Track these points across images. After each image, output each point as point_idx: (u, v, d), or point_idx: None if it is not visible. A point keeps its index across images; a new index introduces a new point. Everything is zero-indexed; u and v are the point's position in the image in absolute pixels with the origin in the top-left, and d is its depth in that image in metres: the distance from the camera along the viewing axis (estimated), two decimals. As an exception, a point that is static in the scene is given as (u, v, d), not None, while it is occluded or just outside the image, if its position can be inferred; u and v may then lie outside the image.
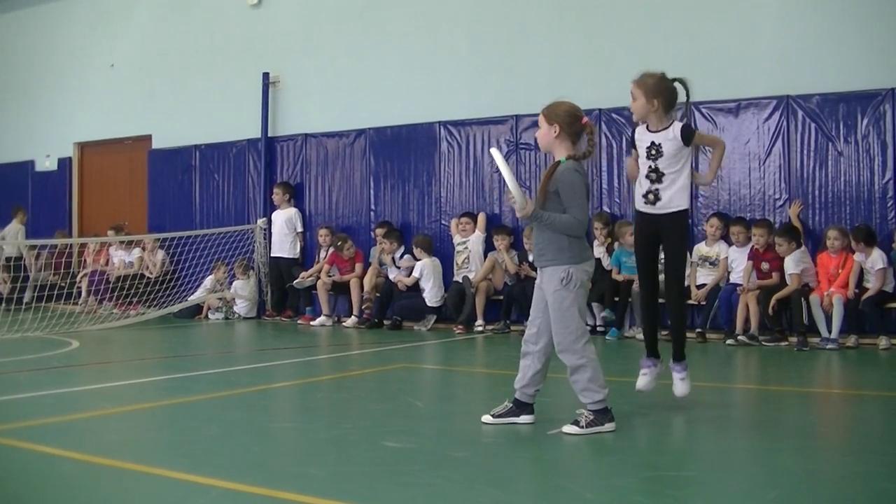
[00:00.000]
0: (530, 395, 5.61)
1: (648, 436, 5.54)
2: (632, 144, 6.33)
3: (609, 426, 5.36)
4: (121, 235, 15.28)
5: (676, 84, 6.06)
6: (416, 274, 12.31)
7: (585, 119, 5.58)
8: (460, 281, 12.06)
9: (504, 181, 5.65)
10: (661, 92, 5.98)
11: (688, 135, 5.98)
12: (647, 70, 6.10)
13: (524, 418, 5.59)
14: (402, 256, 12.64)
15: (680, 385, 6.08)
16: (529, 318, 5.68)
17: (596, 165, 11.80)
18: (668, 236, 6.10)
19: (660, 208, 6.06)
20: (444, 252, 12.73)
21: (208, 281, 14.11)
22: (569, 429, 5.32)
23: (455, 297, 12.02)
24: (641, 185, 6.13)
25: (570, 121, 5.51)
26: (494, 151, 5.59)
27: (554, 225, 5.40)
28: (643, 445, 5.30)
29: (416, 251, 12.44)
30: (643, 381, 6.23)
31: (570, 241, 5.42)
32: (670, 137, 5.99)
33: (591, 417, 5.34)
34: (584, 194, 5.43)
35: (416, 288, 12.35)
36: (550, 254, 5.46)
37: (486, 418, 5.64)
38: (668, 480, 4.43)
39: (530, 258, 11.87)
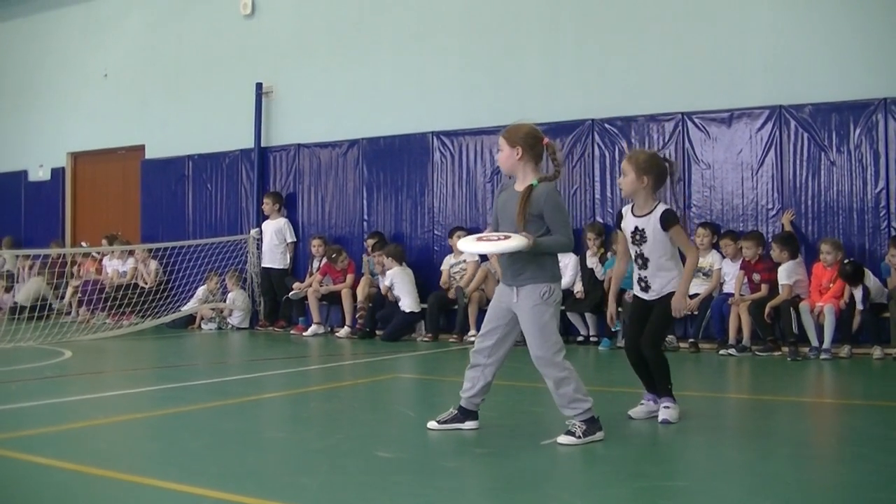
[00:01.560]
0: (476, 405, 5.73)
1: (640, 445, 5.54)
2: (617, 225, 6.40)
3: (599, 435, 5.38)
4: (114, 245, 15.27)
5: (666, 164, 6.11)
6: (386, 283, 12.28)
7: (546, 139, 5.62)
8: (447, 291, 12.06)
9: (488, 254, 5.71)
10: (652, 169, 5.98)
11: (667, 220, 5.95)
12: (636, 148, 6.15)
13: (469, 424, 5.71)
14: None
15: (664, 412, 6.02)
16: (483, 331, 5.72)
17: (588, 176, 11.82)
18: (655, 312, 6.10)
19: (652, 295, 6.11)
20: (436, 261, 12.73)
21: (201, 291, 14.08)
22: (565, 439, 5.31)
23: (435, 306, 12.07)
24: (634, 271, 6.20)
25: (532, 143, 5.54)
26: (463, 244, 5.72)
27: (552, 248, 5.47)
28: (635, 455, 5.29)
29: (388, 260, 12.37)
30: (638, 409, 6.19)
31: (549, 260, 5.49)
32: (652, 222, 5.99)
33: (585, 427, 5.34)
34: (565, 212, 5.54)
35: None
36: (529, 272, 5.46)
37: (432, 424, 5.73)
38: (661, 490, 4.43)
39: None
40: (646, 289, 6.10)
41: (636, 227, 6.06)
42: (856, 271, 9.80)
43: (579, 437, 5.30)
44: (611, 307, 6.42)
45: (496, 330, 5.62)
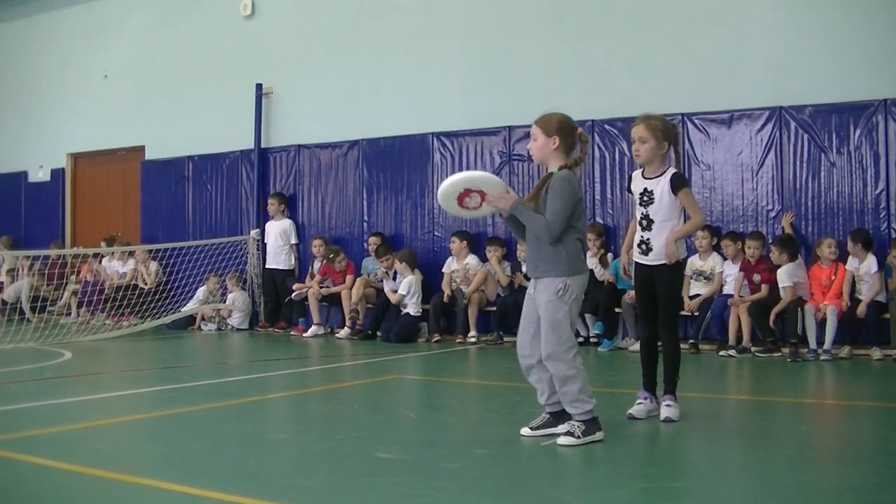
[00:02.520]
0: (558, 403, 5.53)
1: (641, 446, 5.53)
2: (627, 189, 6.41)
3: (599, 435, 5.36)
4: (114, 246, 15.30)
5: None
6: (402, 291, 12.17)
7: (579, 129, 5.60)
8: (450, 293, 12.06)
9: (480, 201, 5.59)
10: (669, 133, 6.03)
11: (676, 183, 6.00)
12: (641, 114, 6.13)
13: (562, 427, 5.49)
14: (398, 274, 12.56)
15: (666, 410, 6.04)
16: (519, 330, 5.66)
17: (589, 177, 11.82)
18: (659, 287, 6.13)
19: (651, 259, 6.12)
20: (436, 262, 12.73)
21: (200, 292, 14.09)
22: (564, 440, 5.30)
23: (438, 308, 12.07)
24: (637, 234, 6.20)
25: (568, 132, 5.52)
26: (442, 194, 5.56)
27: (528, 222, 5.44)
28: (636, 456, 5.28)
29: (401, 266, 12.31)
30: (638, 409, 6.20)
31: (567, 253, 5.40)
32: (662, 184, 6.04)
33: (584, 427, 5.33)
34: (566, 202, 5.36)
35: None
36: (545, 265, 5.44)
37: (525, 431, 5.59)
38: (662, 491, 4.43)
39: (524, 269, 11.88)
40: (647, 251, 6.12)
41: (645, 189, 6.11)
42: (867, 237, 10.07)
43: (578, 437, 5.29)
44: (623, 258, 6.49)
45: (530, 325, 5.56)
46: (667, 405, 6.06)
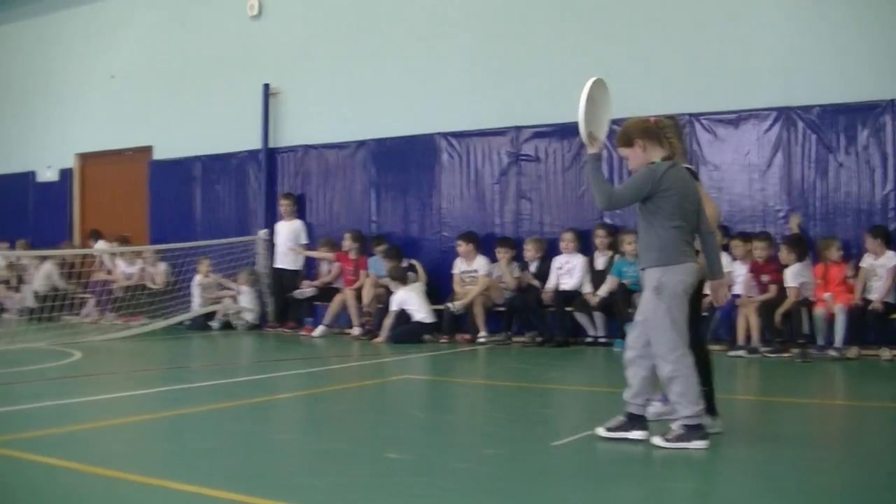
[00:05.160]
0: (641, 406, 5.43)
1: (648, 447, 5.53)
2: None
3: (699, 444, 5.20)
4: (123, 247, 15.37)
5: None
6: (393, 307, 12.05)
7: (653, 118, 5.59)
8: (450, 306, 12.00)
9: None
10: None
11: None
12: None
13: (636, 434, 5.39)
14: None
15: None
16: (633, 322, 5.56)
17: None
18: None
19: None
20: (445, 262, 12.72)
21: (198, 279, 14.23)
22: (656, 440, 5.25)
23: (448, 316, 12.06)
24: None
25: (645, 129, 5.52)
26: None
27: (592, 178, 5.48)
28: (643, 457, 5.29)
29: (392, 284, 12.24)
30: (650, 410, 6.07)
31: (666, 243, 5.33)
32: None
33: (680, 433, 5.23)
34: (635, 185, 5.40)
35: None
36: (645, 255, 5.45)
37: (601, 431, 5.46)
38: (668, 492, 4.43)
39: (531, 268, 11.89)
40: None
41: None
42: (887, 232, 10.08)
43: (669, 439, 5.22)
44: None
45: (637, 319, 5.50)
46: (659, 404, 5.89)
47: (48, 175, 18.09)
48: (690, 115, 11.24)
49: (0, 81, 19.09)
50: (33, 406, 7.02)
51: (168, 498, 4.36)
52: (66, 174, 17.82)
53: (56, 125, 17.91)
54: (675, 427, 5.26)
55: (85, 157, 17.73)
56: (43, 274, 15.52)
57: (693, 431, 5.21)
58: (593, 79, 5.68)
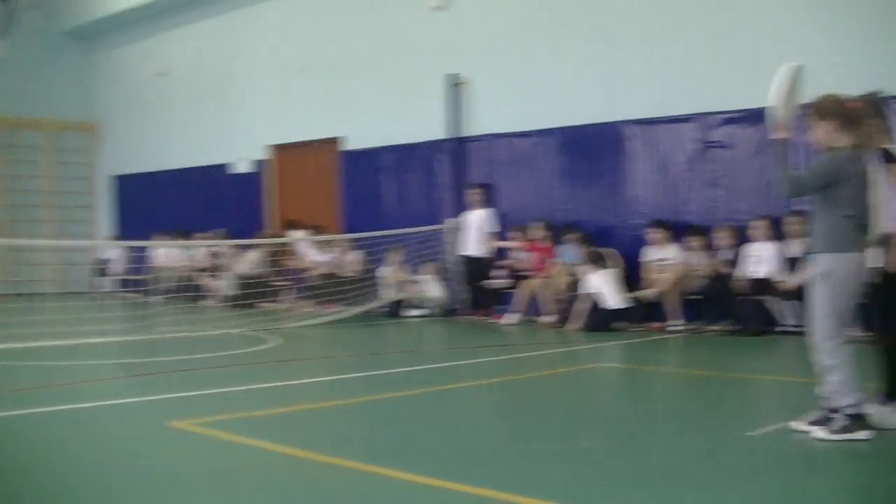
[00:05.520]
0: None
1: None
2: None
3: (862, 434, 5.16)
4: (313, 236, 15.90)
5: None
6: (588, 291, 12.10)
7: (849, 103, 5.47)
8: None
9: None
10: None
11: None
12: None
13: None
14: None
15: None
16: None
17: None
18: None
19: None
20: (635, 250, 12.61)
21: (386, 268, 14.63)
22: (820, 432, 5.21)
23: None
24: None
25: (842, 111, 5.41)
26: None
27: (778, 168, 5.47)
28: (842, 449, 5.10)
29: (587, 268, 12.27)
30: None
31: (836, 230, 5.30)
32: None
33: (845, 423, 5.18)
34: (816, 173, 5.38)
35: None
36: (815, 241, 5.45)
37: (801, 426, 5.39)
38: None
39: (724, 256, 11.76)
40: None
41: None
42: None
43: (834, 430, 5.17)
44: None
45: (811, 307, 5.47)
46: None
47: (242, 167, 18.81)
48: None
49: (194, 77, 19.99)
50: (234, 389, 7.43)
51: (390, 487, 4.52)
52: (258, 166, 18.51)
53: (248, 118, 18.63)
54: (840, 417, 5.19)
55: (277, 149, 18.33)
56: (248, 260, 16.21)
57: (855, 421, 5.17)
58: (793, 64, 5.62)
